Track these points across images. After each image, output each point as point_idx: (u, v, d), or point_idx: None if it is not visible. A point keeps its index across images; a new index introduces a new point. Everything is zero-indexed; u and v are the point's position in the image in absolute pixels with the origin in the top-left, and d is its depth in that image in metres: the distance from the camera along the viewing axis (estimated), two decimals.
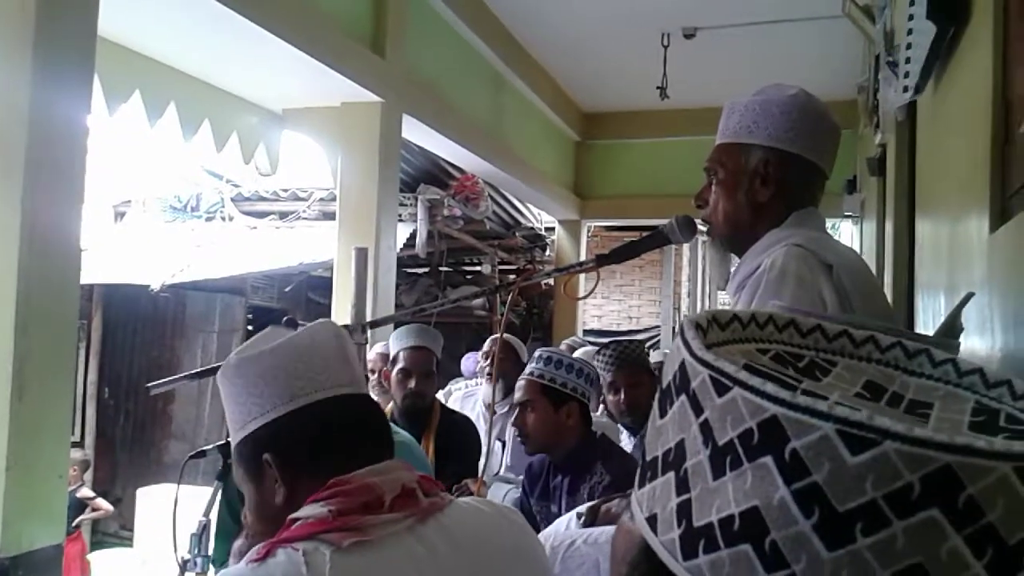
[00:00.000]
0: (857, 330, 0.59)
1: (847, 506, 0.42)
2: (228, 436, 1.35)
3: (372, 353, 3.77)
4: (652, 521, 0.51)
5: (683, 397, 0.50)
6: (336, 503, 1.14)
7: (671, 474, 0.50)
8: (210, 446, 2.28)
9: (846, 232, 8.70)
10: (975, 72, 1.68)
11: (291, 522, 1.16)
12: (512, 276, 8.21)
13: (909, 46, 2.13)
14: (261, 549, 1.12)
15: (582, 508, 2.18)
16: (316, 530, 1.11)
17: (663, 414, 0.53)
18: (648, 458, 0.54)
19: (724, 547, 0.46)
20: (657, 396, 0.55)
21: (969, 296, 1.41)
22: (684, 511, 0.49)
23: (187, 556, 2.01)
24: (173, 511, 1.95)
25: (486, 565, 1.22)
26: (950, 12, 1.75)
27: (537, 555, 1.34)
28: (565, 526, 2.13)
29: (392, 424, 2.73)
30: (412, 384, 3.08)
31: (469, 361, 5.54)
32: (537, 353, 2.86)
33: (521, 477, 3.01)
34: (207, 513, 2.08)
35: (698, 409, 0.49)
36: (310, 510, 1.15)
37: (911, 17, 2.10)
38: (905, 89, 2.29)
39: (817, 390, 0.50)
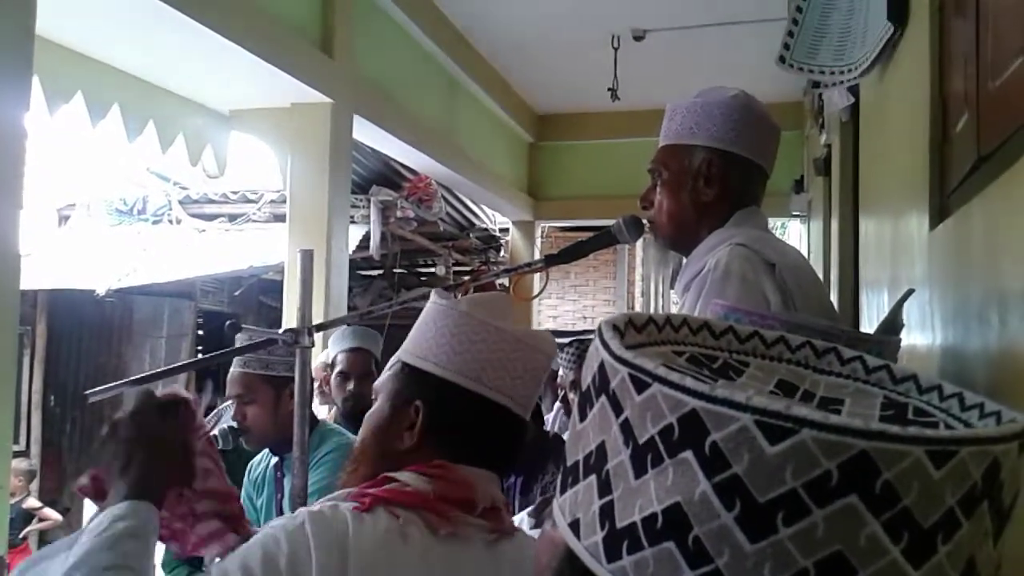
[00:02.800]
0: (769, 332, 0.60)
1: (768, 496, 0.42)
2: None
3: (316, 362, 3.69)
4: (575, 526, 0.51)
5: (603, 398, 0.50)
6: (439, 486, 1.16)
7: (592, 477, 0.50)
8: None
9: (794, 232, 8.82)
10: (913, 72, 1.71)
11: (385, 479, 1.17)
12: (466, 278, 8.19)
13: (791, 33, 2.18)
14: (363, 499, 1.13)
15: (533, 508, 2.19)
16: (417, 503, 1.14)
17: (583, 418, 0.53)
18: (569, 463, 0.54)
19: (648, 546, 0.46)
20: (576, 401, 0.54)
21: (909, 292, 1.43)
22: (607, 513, 0.48)
23: None
24: None
25: None
26: (904, 12, 1.78)
27: None
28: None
29: (337, 427, 2.72)
30: (351, 386, 3.05)
31: None
32: None
33: None
34: None
35: (618, 409, 0.49)
36: (411, 479, 1.17)
37: (799, 9, 2.15)
38: (816, 85, 2.34)
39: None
